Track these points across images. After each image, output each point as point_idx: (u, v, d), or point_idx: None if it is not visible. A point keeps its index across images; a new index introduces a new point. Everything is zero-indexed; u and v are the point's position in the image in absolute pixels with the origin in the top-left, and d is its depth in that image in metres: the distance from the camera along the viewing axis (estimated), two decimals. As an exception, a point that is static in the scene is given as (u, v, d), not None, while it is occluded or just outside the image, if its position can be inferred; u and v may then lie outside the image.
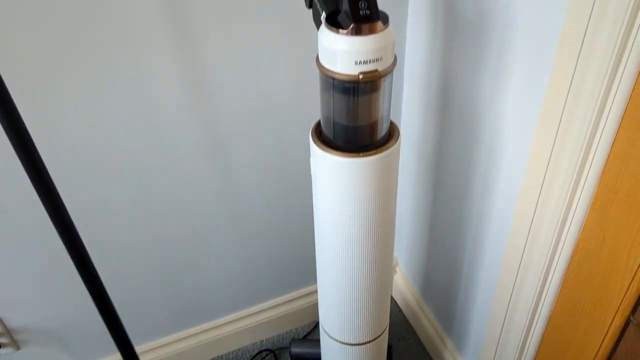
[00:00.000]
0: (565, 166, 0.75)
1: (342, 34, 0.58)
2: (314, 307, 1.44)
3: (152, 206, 1.06)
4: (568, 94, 0.70)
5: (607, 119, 0.68)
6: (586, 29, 0.64)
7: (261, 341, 1.45)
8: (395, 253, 1.50)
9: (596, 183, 0.74)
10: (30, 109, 0.83)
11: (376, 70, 0.60)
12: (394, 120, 1.16)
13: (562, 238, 0.82)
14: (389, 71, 0.62)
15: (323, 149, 0.68)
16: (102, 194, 1.00)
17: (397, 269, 1.52)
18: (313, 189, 0.76)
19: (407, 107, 1.15)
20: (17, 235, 0.98)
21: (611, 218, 0.74)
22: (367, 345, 0.91)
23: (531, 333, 0.98)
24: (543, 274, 0.87)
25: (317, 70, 0.64)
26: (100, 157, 0.95)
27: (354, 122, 0.68)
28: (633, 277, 0.73)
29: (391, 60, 0.62)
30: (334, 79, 0.62)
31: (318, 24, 0.66)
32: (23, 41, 0.79)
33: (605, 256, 0.77)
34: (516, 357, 1.03)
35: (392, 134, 0.72)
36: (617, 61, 0.63)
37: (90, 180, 0.97)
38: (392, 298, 1.54)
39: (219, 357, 1.42)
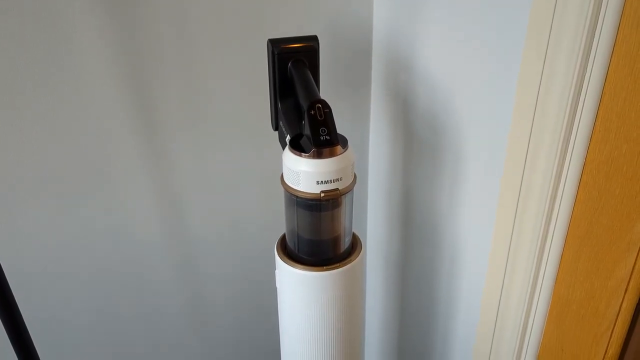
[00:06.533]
0: (521, 275, 0.78)
1: (305, 156, 0.63)
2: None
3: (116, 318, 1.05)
4: (516, 214, 0.75)
5: (554, 229, 0.73)
6: (527, 149, 0.70)
7: None
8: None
9: (550, 293, 0.77)
10: None
11: (337, 189, 0.64)
12: (361, 232, 1.20)
13: (524, 347, 0.84)
14: (348, 189, 0.66)
15: (287, 263, 0.71)
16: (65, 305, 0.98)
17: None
18: (278, 301, 0.77)
19: (372, 219, 1.20)
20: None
21: (567, 328, 0.76)
22: None
23: None
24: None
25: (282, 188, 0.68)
26: (66, 265, 0.95)
27: (317, 236, 0.71)
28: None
29: (351, 180, 0.67)
30: (297, 197, 0.66)
31: (283, 144, 0.71)
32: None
33: (566, 366, 0.79)
34: None
35: (355, 246, 0.75)
36: (556, 184, 0.69)
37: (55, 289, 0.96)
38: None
39: None
